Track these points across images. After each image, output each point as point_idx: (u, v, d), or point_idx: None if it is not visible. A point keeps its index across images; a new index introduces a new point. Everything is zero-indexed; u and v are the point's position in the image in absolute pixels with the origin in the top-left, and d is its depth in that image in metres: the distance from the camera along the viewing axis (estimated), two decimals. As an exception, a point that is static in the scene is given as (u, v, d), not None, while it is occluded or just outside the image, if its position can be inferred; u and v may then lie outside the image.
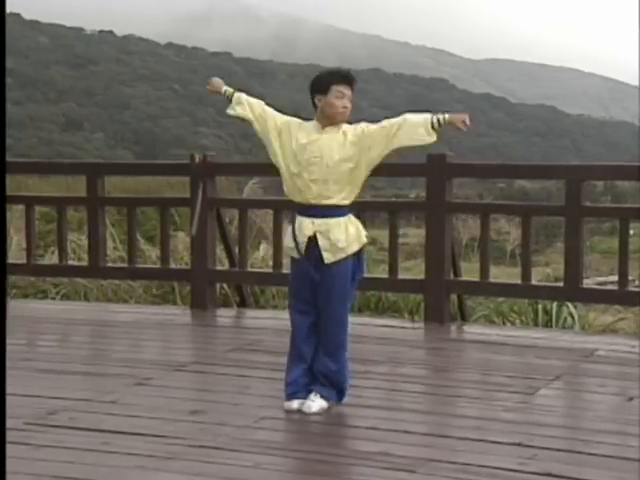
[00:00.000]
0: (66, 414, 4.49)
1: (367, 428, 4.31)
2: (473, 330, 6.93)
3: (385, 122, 4.46)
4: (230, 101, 4.68)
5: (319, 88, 4.48)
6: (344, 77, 4.49)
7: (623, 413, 4.64)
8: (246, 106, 4.62)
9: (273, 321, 7.12)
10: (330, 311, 4.44)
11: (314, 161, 4.39)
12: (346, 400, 4.78)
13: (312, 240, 4.42)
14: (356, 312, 8.47)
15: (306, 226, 4.43)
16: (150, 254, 9.28)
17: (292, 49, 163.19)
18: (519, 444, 4.05)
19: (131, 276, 8.25)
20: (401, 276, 7.29)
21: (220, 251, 7.96)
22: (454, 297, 7.15)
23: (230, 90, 4.71)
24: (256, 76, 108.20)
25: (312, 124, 4.52)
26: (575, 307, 7.95)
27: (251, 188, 10.45)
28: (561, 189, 6.69)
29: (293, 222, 4.52)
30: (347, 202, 4.46)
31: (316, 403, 4.48)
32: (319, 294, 4.45)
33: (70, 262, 8.21)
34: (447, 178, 6.86)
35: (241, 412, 4.58)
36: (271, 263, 7.64)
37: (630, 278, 7.68)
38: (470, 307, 7.85)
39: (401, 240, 8.72)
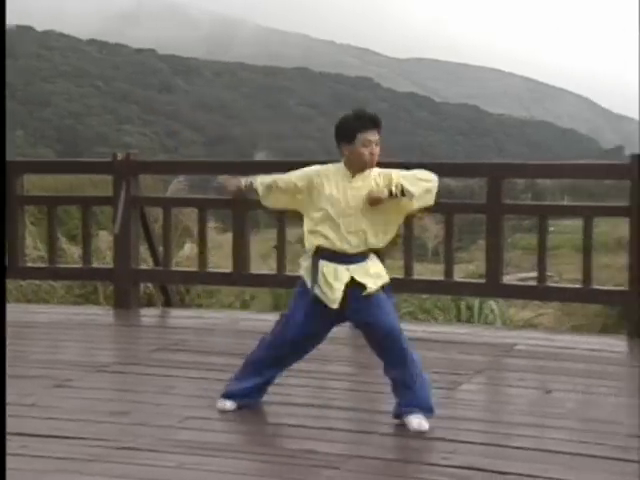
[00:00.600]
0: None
1: (293, 426, 4.31)
2: (397, 327, 6.99)
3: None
4: (256, 192, 4.40)
5: (344, 136, 4.24)
6: (370, 122, 4.24)
7: (542, 406, 4.75)
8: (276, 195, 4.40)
9: (198, 320, 7.07)
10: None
11: (349, 212, 4.25)
12: (272, 398, 4.78)
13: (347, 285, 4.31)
14: (281, 309, 8.49)
15: (342, 273, 4.30)
16: (72, 253, 9.12)
17: (220, 47, 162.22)
18: (442, 439, 4.10)
19: (52, 276, 8.09)
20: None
21: (144, 250, 7.86)
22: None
23: (249, 181, 4.44)
24: (181, 73, 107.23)
25: (340, 170, 4.29)
26: (496, 303, 8.12)
27: (176, 186, 10.37)
28: (484, 187, 6.80)
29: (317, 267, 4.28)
30: (382, 245, 4.41)
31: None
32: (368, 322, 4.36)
33: (-12, 262, 7.99)
34: (371, 176, 6.90)
35: (164, 412, 4.53)
36: (196, 262, 7.57)
37: (549, 274, 7.87)
38: (395, 304, 7.93)
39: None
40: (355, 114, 4.29)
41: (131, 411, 4.54)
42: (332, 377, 5.32)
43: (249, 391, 4.51)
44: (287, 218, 7.07)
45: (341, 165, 4.31)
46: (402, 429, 4.22)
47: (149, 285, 8.36)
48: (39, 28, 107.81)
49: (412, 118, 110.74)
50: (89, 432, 4.18)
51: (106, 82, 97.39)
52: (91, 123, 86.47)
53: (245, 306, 9.27)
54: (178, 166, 9.13)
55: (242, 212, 7.18)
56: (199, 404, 4.63)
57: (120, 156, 7.35)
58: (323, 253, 4.28)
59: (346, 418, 4.48)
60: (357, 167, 4.26)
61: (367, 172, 4.28)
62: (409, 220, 5.40)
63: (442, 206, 7.53)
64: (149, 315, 7.45)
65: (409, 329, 6.78)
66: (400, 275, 7.02)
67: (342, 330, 6.74)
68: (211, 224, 11.17)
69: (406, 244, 7.01)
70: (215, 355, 5.80)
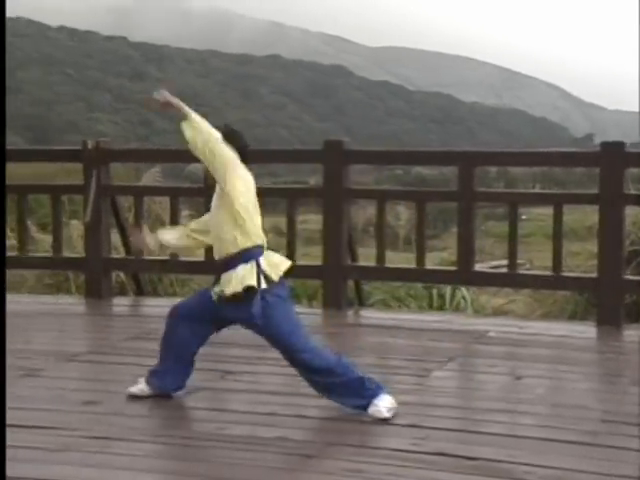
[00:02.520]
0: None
1: (265, 414, 4.31)
2: (370, 315, 7.03)
3: None
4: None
5: None
6: None
7: (512, 392, 4.80)
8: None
9: (170, 309, 7.04)
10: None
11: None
12: (244, 386, 4.79)
13: None
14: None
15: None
16: (43, 242, 9.04)
17: (191, 35, 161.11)
18: (413, 425, 4.13)
19: (23, 265, 8.01)
20: (300, 262, 7.32)
21: (116, 239, 7.82)
22: (351, 282, 7.23)
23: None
24: (153, 61, 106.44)
25: None
26: (468, 290, 8.17)
27: (152, 175, 10.29)
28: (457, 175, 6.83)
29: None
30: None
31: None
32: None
33: (-43, 251, 7.91)
34: (344, 164, 6.92)
35: (136, 401, 4.51)
36: (168, 251, 7.53)
37: (521, 261, 7.93)
38: (367, 292, 7.97)
39: (302, 226, 8.75)
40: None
41: (103, 400, 4.53)
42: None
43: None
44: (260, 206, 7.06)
45: None
46: (370, 415, 4.23)
47: (120, 274, 8.32)
48: (7, 14, 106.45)
49: (385, 106, 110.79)
50: (61, 422, 4.16)
51: (77, 70, 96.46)
52: (62, 111, 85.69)
53: (218, 295, 9.24)
54: (149, 154, 9.05)
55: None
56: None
57: (90, 144, 7.29)
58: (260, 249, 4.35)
59: (317, 406, 4.48)
60: None
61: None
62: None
63: (414, 194, 7.61)
64: (121, 304, 7.42)
65: (381, 317, 6.87)
66: (372, 263, 7.06)
67: (312, 318, 6.78)
68: (185, 212, 11.12)
69: (378, 232, 7.03)
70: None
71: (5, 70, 4.04)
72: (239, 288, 4.18)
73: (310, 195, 7.80)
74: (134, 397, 4.51)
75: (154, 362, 5.23)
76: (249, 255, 4.23)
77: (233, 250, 4.23)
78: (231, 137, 4.29)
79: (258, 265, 4.22)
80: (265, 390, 4.72)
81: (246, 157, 4.33)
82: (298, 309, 7.13)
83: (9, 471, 3.55)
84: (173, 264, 7.42)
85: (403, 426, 4.13)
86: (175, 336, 4.43)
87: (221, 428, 4.10)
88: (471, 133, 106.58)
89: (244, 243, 4.23)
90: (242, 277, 4.18)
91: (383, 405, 4.23)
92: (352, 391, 4.25)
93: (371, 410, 4.22)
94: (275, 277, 4.27)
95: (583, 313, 7.50)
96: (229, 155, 4.21)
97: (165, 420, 4.30)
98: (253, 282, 4.19)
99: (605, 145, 6.46)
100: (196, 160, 4.36)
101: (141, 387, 4.54)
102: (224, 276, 4.25)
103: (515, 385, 4.91)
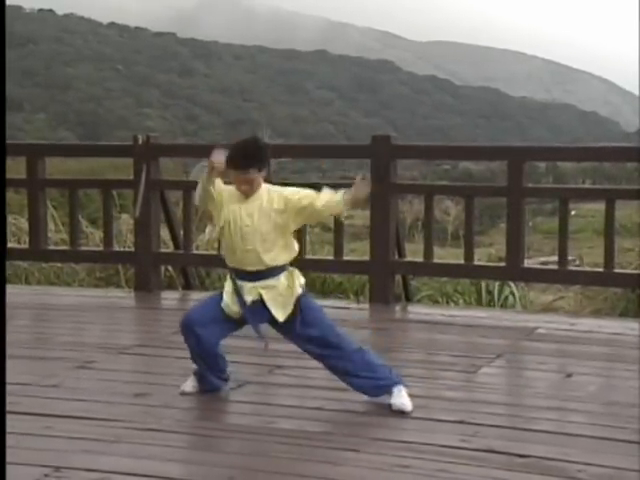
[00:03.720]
0: (7, 399, 4.42)
1: (313, 408, 4.32)
2: (417, 310, 7.01)
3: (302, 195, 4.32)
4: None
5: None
6: (237, 164, 4.22)
7: (562, 390, 4.74)
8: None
9: (218, 303, 7.09)
10: None
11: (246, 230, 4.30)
12: (292, 381, 4.81)
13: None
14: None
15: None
16: (94, 237, 9.17)
17: (239, 31, 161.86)
18: (462, 422, 4.11)
19: (74, 259, 8.14)
20: (346, 257, 7.33)
21: (165, 233, 7.90)
22: (399, 278, 7.21)
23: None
24: (201, 57, 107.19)
25: (234, 192, 4.35)
26: (517, 286, 8.09)
27: (200, 170, 10.37)
28: (505, 171, 6.76)
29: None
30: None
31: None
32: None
33: (10, 244, 8.07)
34: (391, 159, 6.90)
35: (185, 394, 4.55)
36: (216, 245, 7.60)
37: (570, 258, 7.83)
38: (415, 287, 7.94)
39: (348, 222, 8.72)
40: (232, 148, 4.23)
41: (153, 393, 4.58)
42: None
43: None
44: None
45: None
46: (423, 411, 4.22)
47: (169, 268, 8.40)
48: (60, 12, 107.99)
49: (433, 101, 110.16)
50: (112, 413, 4.22)
51: (127, 66, 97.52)
52: (111, 107, 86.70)
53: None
54: (198, 150, 9.12)
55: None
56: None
57: (140, 139, 7.37)
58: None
59: (364, 401, 4.48)
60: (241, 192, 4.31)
61: (255, 195, 4.29)
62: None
63: (462, 189, 7.56)
64: (169, 298, 7.50)
65: (428, 312, 6.84)
66: (420, 258, 7.03)
67: (360, 313, 6.78)
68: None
69: (426, 227, 7.00)
70: (233, 337, 5.80)
71: (5, 70, 4.10)
72: (291, 301, 4.29)
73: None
74: (186, 394, 4.53)
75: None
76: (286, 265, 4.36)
77: (280, 263, 4.31)
78: (266, 152, 4.30)
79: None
80: (313, 385, 4.72)
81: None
82: (345, 304, 7.18)
83: (61, 462, 3.62)
84: (220, 258, 7.45)
85: (452, 422, 4.11)
86: (197, 345, 4.41)
87: (270, 422, 4.12)
88: (520, 128, 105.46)
89: (290, 257, 4.35)
90: (289, 287, 4.30)
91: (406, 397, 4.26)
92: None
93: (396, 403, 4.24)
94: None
95: (636, 310, 7.38)
96: None
97: (214, 413, 4.33)
98: (300, 290, 4.33)
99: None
100: None
101: (192, 384, 4.56)
102: (262, 283, 4.30)
103: (566, 382, 4.86)
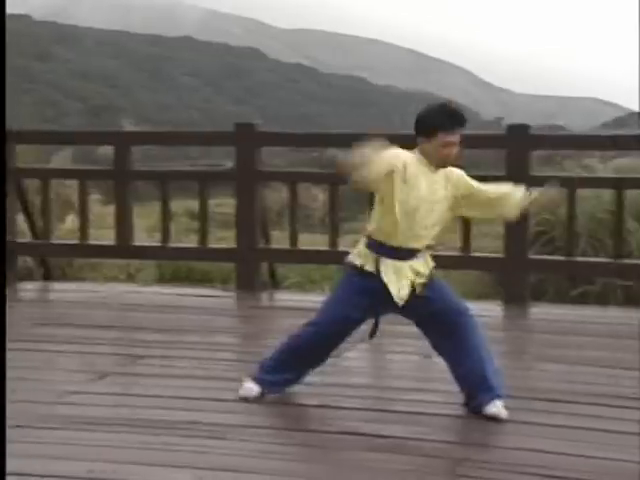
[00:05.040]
0: None
1: (177, 398, 4.29)
2: (284, 297, 7.05)
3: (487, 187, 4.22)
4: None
5: (424, 131, 3.98)
6: (455, 124, 3.95)
7: (423, 371, 4.89)
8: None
9: (81, 294, 6.92)
10: None
11: (429, 207, 4.04)
12: (157, 371, 4.75)
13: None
14: (167, 282, 8.41)
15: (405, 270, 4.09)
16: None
17: (103, 16, 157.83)
18: (325, 406, 4.17)
19: None
20: (212, 245, 7.29)
21: (22, 223, 7.63)
22: (266, 265, 7.23)
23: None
24: (60, 41, 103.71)
25: (420, 161, 4.02)
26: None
27: (61, 158, 10.08)
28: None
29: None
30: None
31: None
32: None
33: None
34: (256, 147, 6.90)
35: (46, 388, 4.43)
36: (79, 235, 7.40)
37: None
38: (282, 275, 7.98)
39: (218, 210, 8.69)
40: (441, 109, 4.01)
41: (14, 389, 4.42)
42: (216, 348, 5.32)
43: (285, 383, 4.25)
44: (172, 190, 7.00)
45: (419, 156, 4.03)
46: (287, 398, 4.26)
47: (27, 259, 8.12)
48: None
49: (299, 89, 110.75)
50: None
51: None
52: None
53: (130, 279, 9.12)
54: (56, 136, 8.85)
55: (124, 183, 7.05)
56: (81, 379, 4.55)
57: (-8, 127, 7.07)
58: (384, 246, 4.08)
59: (232, 389, 4.47)
60: (435, 164, 4.02)
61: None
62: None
63: (326, 176, 7.63)
64: (28, 289, 7.25)
65: (295, 299, 6.88)
66: (286, 245, 7.08)
67: (226, 301, 6.76)
68: (95, 196, 10.91)
69: (291, 215, 7.04)
70: (98, 329, 5.70)
71: (5, 69, 3.88)
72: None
73: (222, 178, 7.75)
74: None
75: (63, 347, 5.15)
76: None
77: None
78: None
79: None
80: (178, 375, 4.68)
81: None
82: (212, 292, 7.14)
83: (110, 466, 3.45)
84: (82, 248, 7.28)
85: (315, 407, 4.15)
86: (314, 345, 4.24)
87: (135, 415, 4.06)
88: (384, 116, 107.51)
89: None
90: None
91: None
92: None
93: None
94: None
95: (491, 293, 7.68)
96: None
97: (74, 407, 4.22)
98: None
99: (511, 127, 6.61)
100: None
101: (250, 386, 4.27)
102: (420, 265, 4.11)
103: (425, 364, 5.00)
